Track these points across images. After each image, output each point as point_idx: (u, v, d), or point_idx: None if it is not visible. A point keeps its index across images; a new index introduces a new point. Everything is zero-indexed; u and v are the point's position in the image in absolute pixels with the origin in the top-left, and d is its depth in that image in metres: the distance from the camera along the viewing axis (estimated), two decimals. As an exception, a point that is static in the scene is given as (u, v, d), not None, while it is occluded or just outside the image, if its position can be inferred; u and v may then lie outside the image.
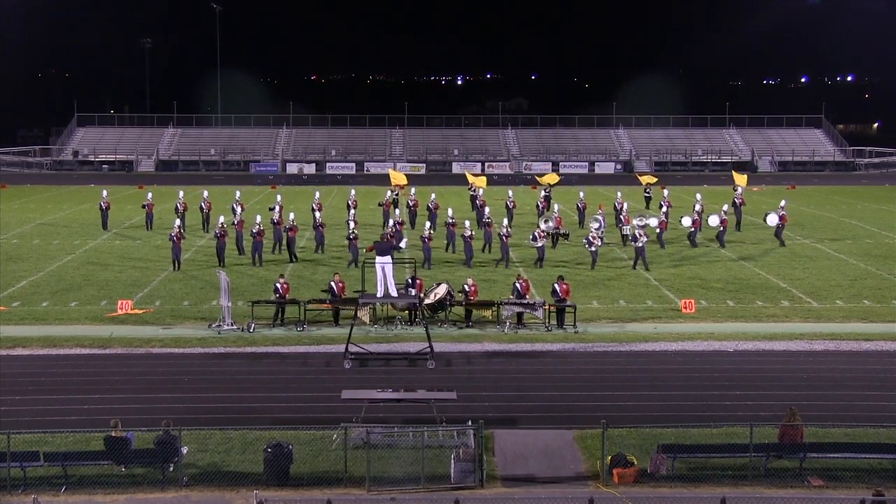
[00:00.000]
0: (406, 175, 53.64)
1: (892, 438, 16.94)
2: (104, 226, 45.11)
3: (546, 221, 39.86)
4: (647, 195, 52.27)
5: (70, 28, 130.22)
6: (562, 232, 40.36)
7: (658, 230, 40.21)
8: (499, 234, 36.76)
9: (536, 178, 58.78)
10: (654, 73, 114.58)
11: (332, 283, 27.67)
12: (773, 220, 41.39)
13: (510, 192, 49.00)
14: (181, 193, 47.47)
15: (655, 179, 55.52)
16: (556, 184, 51.67)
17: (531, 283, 30.23)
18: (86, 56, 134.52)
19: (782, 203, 43.49)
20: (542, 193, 49.03)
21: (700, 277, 34.15)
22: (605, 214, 42.18)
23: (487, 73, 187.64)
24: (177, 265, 35.08)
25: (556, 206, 44.59)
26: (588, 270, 35.16)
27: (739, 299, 30.71)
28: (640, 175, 57.01)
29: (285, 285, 27.95)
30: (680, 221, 41.61)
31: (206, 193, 47.47)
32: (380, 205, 46.59)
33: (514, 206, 46.29)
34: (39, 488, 16.22)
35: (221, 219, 37.04)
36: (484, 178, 52.20)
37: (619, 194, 48.49)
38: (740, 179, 48.47)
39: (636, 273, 34.78)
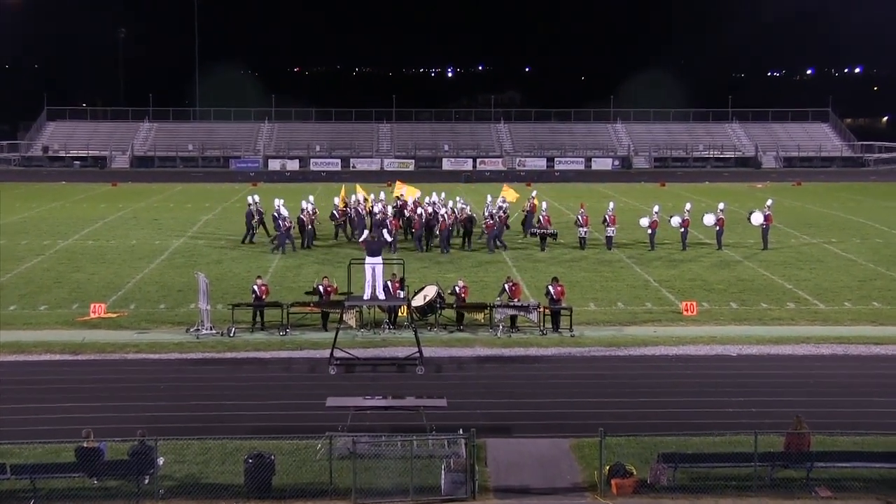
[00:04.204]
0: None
1: (903, 447, 16.61)
2: (248, 239, 40.22)
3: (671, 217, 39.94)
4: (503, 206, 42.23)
5: (39, 17, 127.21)
6: (550, 232, 39.67)
7: (650, 231, 39.52)
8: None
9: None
10: (653, 65, 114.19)
11: (320, 285, 27.10)
12: (757, 219, 40.02)
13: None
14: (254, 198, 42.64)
15: (515, 196, 44.66)
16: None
17: (524, 284, 29.96)
18: (56, 46, 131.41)
19: (769, 202, 42.27)
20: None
21: (702, 278, 33.81)
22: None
23: (479, 64, 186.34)
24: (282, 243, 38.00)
25: (543, 205, 43.45)
26: (584, 272, 34.69)
27: (743, 301, 30.37)
28: (508, 188, 45.41)
29: (263, 287, 27.28)
30: (669, 220, 40.34)
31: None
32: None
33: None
34: (7, 502, 15.93)
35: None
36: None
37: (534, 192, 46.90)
38: (510, 194, 43.73)
39: (635, 274, 34.50)
